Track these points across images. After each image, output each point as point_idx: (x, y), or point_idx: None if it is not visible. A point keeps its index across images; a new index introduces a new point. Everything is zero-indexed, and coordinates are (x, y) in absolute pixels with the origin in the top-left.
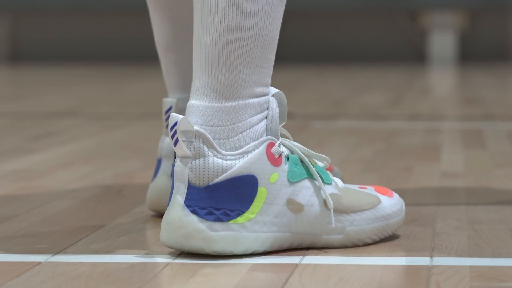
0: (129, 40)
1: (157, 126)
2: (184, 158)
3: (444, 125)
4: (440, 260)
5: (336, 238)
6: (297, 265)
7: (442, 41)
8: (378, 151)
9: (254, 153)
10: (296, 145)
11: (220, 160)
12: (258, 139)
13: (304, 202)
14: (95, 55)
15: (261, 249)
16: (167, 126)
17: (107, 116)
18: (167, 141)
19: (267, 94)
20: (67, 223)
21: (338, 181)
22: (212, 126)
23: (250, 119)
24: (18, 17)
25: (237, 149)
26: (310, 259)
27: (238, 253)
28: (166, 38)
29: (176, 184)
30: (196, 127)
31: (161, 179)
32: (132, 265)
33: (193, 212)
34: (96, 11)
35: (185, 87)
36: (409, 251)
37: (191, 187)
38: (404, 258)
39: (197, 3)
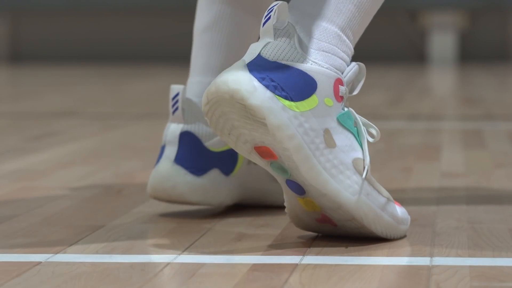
0: (129, 40)
1: (157, 126)
2: (264, 38)
3: (444, 125)
4: (440, 260)
5: (348, 197)
6: (297, 265)
7: (442, 41)
8: (378, 151)
9: (325, 69)
10: (355, 113)
11: (295, 52)
12: (334, 67)
13: (338, 144)
14: (95, 55)
15: (285, 142)
16: (173, 112)
17: (107, 116)
18: (172, 127)
19: (353, 45)
20: (67, 223)
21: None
22: (300, 30)
23: (335, 47)
24: (18, 17)
25: (313, 59)
26: (310, 259)
27: (267, 124)
28: (207, 18)
29: (247, 54)
30: (289, 20)
31: (164, 164)
32: (132, 265)
33: (251, 71)
34: (96, 11)
35: (209, 70)
36: (409, 251)
37: (259, 57)
38: (404, 258)
39: None
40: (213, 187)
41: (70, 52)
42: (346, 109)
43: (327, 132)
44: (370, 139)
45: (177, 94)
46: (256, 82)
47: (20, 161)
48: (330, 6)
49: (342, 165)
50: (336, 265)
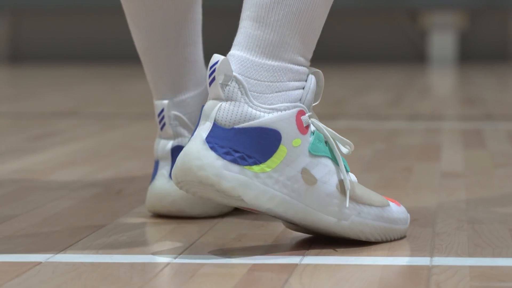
0: (129, 40)
1: (157, 126)
2: (215, 99)
3: (444, 125)
4: (440, 260)
5: (341, 224)
6: (297, 265)
7: (442, 41)
8: (378, 151)
9: (284, 112)
10: (323, 126)
11: (250, 109)
12: (291, 103)
13: (318, 177)
14: (95, 55)
15: (266, 205)
16: (161, 128)
17: (107, 116)
18: (162, 143)
19: (306, 66)
20: (67, 223)
21: (352, 176)
22: (249, 78)
23: (288, 83)
24: (18, 17)
25: (269, 105)
26: (310, 259)
27: (244, 199)
28: (150, 44)
29: (201, 122)
30: (234, 73)
31: (160, 181)
32: (132, 265)
33: (212, 148)
34: (96, 11)
35: (176, 90)
36: (409, 251)
37: (216, 126)
38: (404, 258)
39: None
40: None
41: (70, 52)
42: (313, 130)
43: (304, 172)
44: (345, 150)
45: (162, 110)
46: (220, 161)
47: (20, 161)
48: (275, 43)
49: (328, 197)
50: (336, 265)
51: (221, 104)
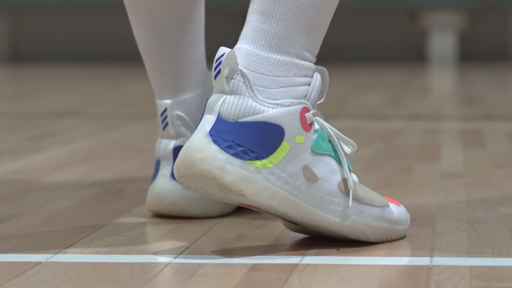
0: (129, 40)
1: (157, 126)
2: (220, 92)
3: (444, 125)
4: (440, 260)
5: (341, 223)
6: (297, 265)
7: (442, 41)
8: (377, 151)
9: (288, 108)
10: (328, 125)
11: (254, 103)
12: (296, 99)
13: (320, 175)
14: (95, 55)
15: (268, 201)
16: (163, 128)
17: (107, 116)
18: (164, 143)
19: (313, 62)
20: (67, 223)
21: (354, 176)
22: (254, 72)
23: (294, 78)
24: (18, 17)
25: (273, 100)
26: (310, 259)
27: (246, 195)
28: (152, 42)
29: (205, 116)
30: (240, 67)
31: (161, 181)
32: (132, 265)
33: (215, 142)
34: (96, 11)
35: (178, 90)
36: (409, 251)
37: (219, 119)
38: (404, 258)
39: None
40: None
41: (70, 52)
42: (317, 128)
43: (306, 169)
44: (348, 150)
45: (165, 110)
46: (223, 154)
47: (20, 161)
48: (281, 37)
49: (329, 195)
50: (336, 265)
51: (225, 98)
